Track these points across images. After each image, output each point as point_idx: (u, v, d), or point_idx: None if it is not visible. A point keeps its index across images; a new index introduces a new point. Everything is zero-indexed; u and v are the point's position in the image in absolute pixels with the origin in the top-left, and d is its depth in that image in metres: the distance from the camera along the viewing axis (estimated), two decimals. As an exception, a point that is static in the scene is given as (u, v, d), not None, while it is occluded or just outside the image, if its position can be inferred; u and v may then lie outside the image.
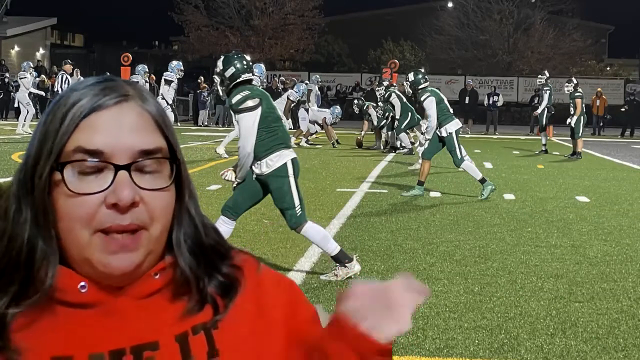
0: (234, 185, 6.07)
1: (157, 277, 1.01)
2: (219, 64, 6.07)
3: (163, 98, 17.47)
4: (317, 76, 25.72)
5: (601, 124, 33.42)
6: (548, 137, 21.50)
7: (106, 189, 0.95)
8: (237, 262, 1.09)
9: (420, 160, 12.42)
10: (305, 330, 1.10)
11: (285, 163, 5.82)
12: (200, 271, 1.04)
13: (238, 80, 5.93)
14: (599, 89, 33.66)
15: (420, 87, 11.05)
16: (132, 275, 0.99)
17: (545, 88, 20.62)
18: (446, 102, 11.01)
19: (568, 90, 19.24)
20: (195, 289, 1.03)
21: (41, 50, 46.92)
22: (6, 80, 30.97)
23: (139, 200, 0.96)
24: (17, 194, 0.98)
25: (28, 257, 0.96)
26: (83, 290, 0.98)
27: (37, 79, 26.50)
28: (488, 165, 16.16)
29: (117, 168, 0.95)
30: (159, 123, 1.01)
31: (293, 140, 16.35)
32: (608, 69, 52.71)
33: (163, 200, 0.99)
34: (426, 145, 11.35)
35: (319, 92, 25.29)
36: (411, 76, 11.24)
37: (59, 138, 0.96)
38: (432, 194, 11.21)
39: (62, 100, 0.99)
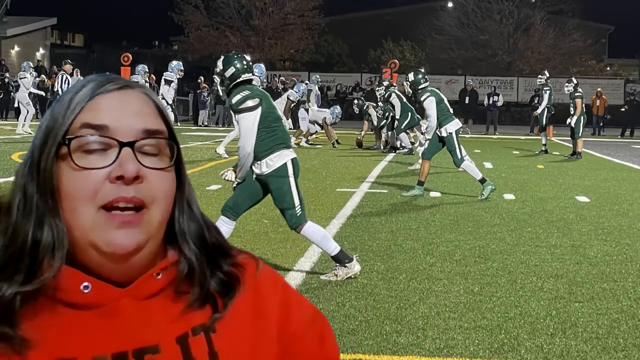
0: (234, 185, 6.07)
1: (159, 277, 1.01)
2: (219, 64, 6.07)
3: (163, 98, 17.45)
4: (317, 76, 25.69)
5: (601, 124, 33.42)
6: (548, 137, 21.50)
7: (111, 164, 0.97)
8: (238, 261, 1.09)
9: (420, 160, 12.42)
10: (299, 334, 1.10)
11: (285, 163, 5.82)
12: (203, 265, 1.04)
13: (238, 80, 5.93)
14: (599, 89, 33.64)
15: (420, 87, 11.04)
16: (134, 260, 0.98)
17: (545, 88, 20.61)
18: (446, 102, 11.01)
19: (568, 90, 19.23)
20: (198, 281, 1.03)
21: (41, 50, 46.92)
22: (6, 80, 30.96)
23: (143, 177, 0.98)
24: (23, 184, 0.99)
25: (33, 246, 0.97)
26: (86, 291, 0.98)
27: (37, 79, 26.49)
28: (488, 165, 16.16)
29: (122, 145, 0.97)
30: (160, 111, 1.04)
31: (293, 140, 16.35)
32: (608, 69, 52.70)
33: (164, 181, 1.00)
34: (426, 145, 11.35)
35: (319, 92, 25.28)
36: (411, 76, 11.24)
37: (65, 120, 0.99)
38: (432, 194, 11.20)
39: (67, 93, 1.02)
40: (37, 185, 0.98)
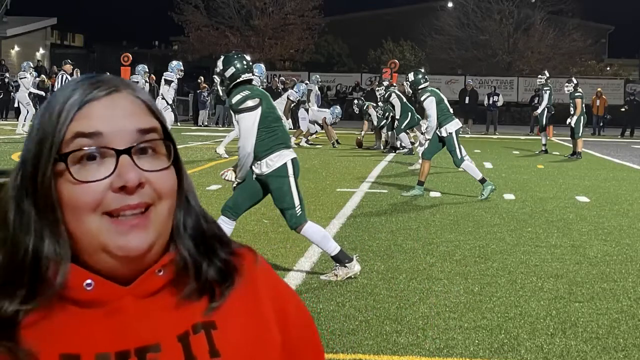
0: (234, 185, 6.07)
1: (160, 273, 1.01)
2: (219, 64, 6.07)
3: (163, 98, 17.41)
4: (317, 76, 25.69)
5: (601, 124, 33.43)
6: (548, 137, 21.50)
7: (110, 174, 0.96)
8: (237, 251, 1.09)
9: (420, 160, 12.42)
10: (298, 337, 1.10)
11: (285, 163, 5.82)
12: (200, 257, 1.04)
13: (238, 80, 5.93)
14: (599, 89, 33.64)
15: (420, 87, 11.05)
16: (144, 259, 0.99)
17: (545, 88, 20.62)
18: (446, 102, 11.02)
19: (568, 90, 19.24)
20: (194, 275, 1.03)
21: (41, 50, 46.91)
22: (6, 80, 30.98)
23: (145, 181, 0.98)
24: (16, 197, 0.98)
25: (34, 259, 0.96)
26: (88, 288, 0.98)
27: (37, 79, 26.48)
28: (488, 165, 16.16)
29: (118, 153, 0.97)
30: (151, 108, 1.03)
31: (293, 140, 16.35)
32: (608, 69, 52.69)
33: (167, 179, 1.00)
34: (426, 145, 11.36)
35: (319, 92, 25.28)
36: (411, 76, 11.24)
37: (57, 132, 0.98)
38: (432, 194, 11.21)
39: (54, 100, 1.01)
40: (33, 200, 0.97)
